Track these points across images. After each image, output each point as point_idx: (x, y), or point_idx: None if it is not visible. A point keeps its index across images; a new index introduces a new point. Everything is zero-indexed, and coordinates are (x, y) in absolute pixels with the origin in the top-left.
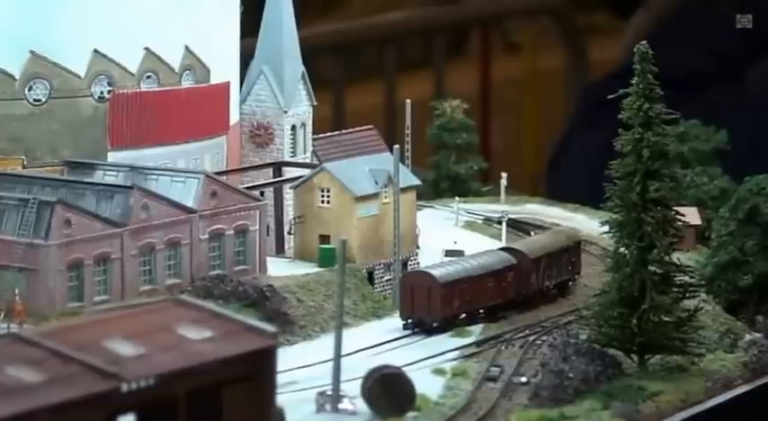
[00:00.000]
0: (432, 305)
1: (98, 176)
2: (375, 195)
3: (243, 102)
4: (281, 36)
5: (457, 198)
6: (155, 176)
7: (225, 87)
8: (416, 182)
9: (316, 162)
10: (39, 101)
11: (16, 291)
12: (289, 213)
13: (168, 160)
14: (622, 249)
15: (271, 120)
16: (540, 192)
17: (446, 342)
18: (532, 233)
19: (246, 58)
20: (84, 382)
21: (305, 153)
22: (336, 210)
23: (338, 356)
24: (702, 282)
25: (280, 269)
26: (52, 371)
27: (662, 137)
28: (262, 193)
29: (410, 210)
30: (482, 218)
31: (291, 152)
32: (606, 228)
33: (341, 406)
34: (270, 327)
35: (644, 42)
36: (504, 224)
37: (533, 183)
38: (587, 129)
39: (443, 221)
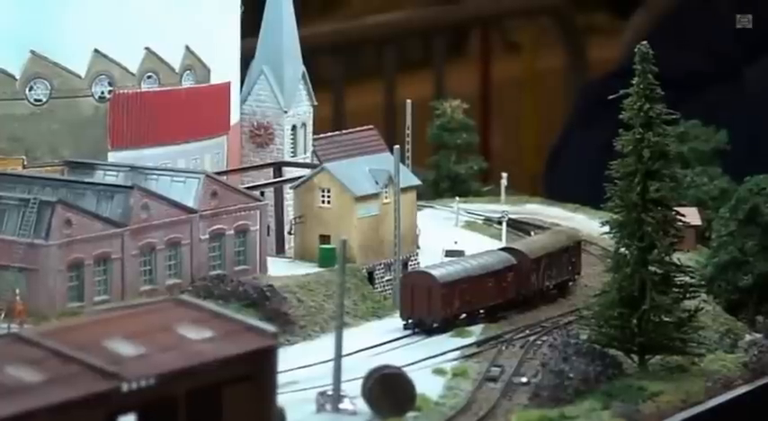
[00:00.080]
0: (432, 305)
1: (98, 176)
2: (375, 195)
3: (243, 102)
4: (281, 36)
5: (457, 198)
6: (155, 176)
7: (225, 87)
8: (416, 182)
9: (316, 162)
10: (39, 101)
11: (16, 290)
12: (289, 213)
13: (168, 160)
14: (623, 249)
15: (271, 120)
16: (540, 193)
17: (446, 342)
18: (532, 233)
19: (247, 58)
20: (84, 382)
21: (305, 153)
22: (336, 210)
23: (338, 356)
24: (702, 283)
25: (280, 269)
26: (52, 371)
27: (662, 137)
28: (262, 193)
29: (410, 210)
30: (482, 218)
31: (292, 152)
32: (606, 228)
33: (341, 406)
34: (270, 327)
35: (644, 42)
36: (504, 224)
37: (533, 183)
38: (585, 128)
39: (443, 221)
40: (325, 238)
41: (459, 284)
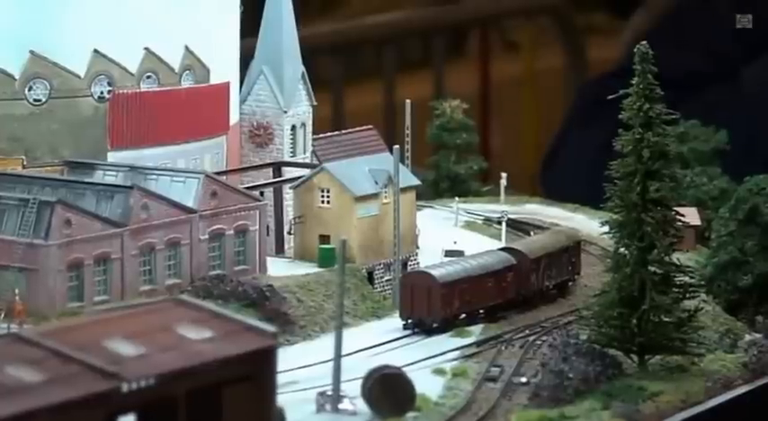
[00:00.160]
0: (432, 305)
1: (98, 176)
2: (375, 195)
3: (243, 102)
4: (280, 36)
5: (457, 198)
6: (155, 176)
7: (225, 87)
8: (416, 182)
9: (315, 162)
10: (39, 101)
11: (16, 291)
12: (289, 213)
13: (168, 160)
14: (622, 249)
15: (270, 120)
16: (540, 192)
17: (446, 342)
18: (532, 233)
19: (246, 58)
20: (84, 382)
21: (305, 153)
22: (336, 210)
23: (338, 356)
24: (702, 283)
25: (280, 269)
26: (52, 371)
27: (662, 137)
28: (261, 193)
29: (410, 211)
30: (482, 218)
31: (291, 152)
32: (606, 228)
33: (341, 406)
34: (270, 327)
35: (644, 42)
36: (503, 224)
37: (533, 183)
38: (583, 127)
39: (443, 221)
40: (324, 238)
41: (459, 284)
